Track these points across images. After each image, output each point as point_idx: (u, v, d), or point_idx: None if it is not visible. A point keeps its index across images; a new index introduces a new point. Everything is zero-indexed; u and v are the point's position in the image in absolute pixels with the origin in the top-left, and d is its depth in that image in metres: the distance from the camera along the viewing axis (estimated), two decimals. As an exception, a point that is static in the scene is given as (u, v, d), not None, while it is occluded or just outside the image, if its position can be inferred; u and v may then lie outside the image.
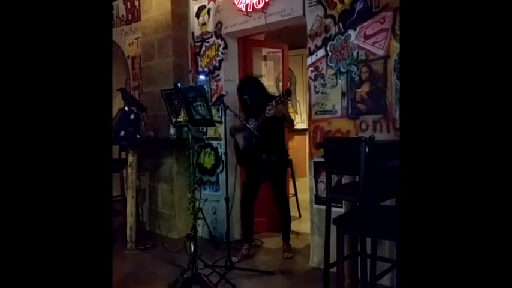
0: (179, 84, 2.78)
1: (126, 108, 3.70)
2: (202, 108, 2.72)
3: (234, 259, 3.08)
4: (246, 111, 3.31)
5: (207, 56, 3.92)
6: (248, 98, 3.22)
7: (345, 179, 2.69)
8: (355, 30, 2.78)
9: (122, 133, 3.59)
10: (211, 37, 3.85)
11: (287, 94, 3.05)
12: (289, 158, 4.28)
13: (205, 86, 3.66)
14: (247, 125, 3.04)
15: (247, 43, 3.93)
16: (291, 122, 3.35)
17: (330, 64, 2.94)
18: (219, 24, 3.77)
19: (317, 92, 3.03)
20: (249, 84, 3.28)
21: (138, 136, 3.68)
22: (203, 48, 3.95)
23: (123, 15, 4.83)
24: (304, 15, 3.09)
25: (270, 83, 4.69)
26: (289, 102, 5.66)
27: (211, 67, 3.89)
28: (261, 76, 4.59)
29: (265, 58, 4.62)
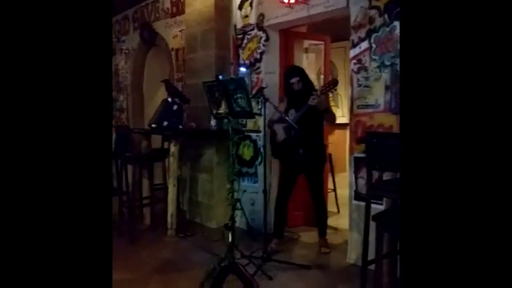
0: (220, 77, 2.82)
1: (169, 99, 3.80)
2: (243, 100, 2.74)
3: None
4: (290, 98, 3.21)
5: (249, 48, 3.93)
6: (297, 81, 3.12)
7: (386, 176, 2.62)
8: (401, 21, 2.67)
9: (165, 123, 3.69)
10: (253, 29, 3.86)
11: (333, 84, 2.96)
12: (329, 153, 4.25)
13: (246, 79, 3.67)
14: (287, 118, 2.99)
15: (289, 35, 3.90)
16: (333, 116, 3.27)
17: (373, 57, 2.86)
18: (261, 16, 3.77)
19: (359, 86, 2.96)
20: (298, 71, 3.23)
21: (180, 127, 3.78)
22: (245, 41, 3.96)
23: (168, 8, 4.95)
24: (348, 6, 3.01)
25: (312, 76, 4.63)
26: (331, 95, 5.58)
27: (252, 59, 3.90)
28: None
29: (306, 50, 4.57)
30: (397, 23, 2.70)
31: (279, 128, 3.21)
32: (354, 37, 2.97)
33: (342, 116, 6.96)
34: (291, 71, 3.23)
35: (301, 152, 3.10)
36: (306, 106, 2.95)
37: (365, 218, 2.36)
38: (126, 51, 5.91)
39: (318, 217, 3.34)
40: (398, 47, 2.69)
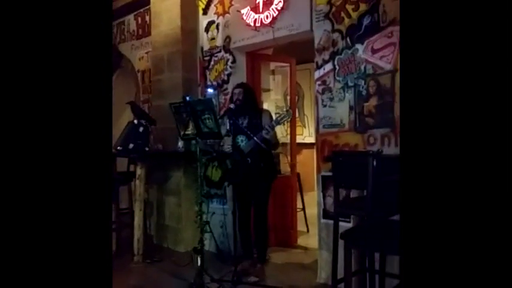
0: (188, 98, 2.81)
1: (136, 121, 3.73)
2: (210, 121, 2.74)
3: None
4: (231, 114, 3.09)
5: (216, 70, 3.96)
6: (239, 92, 3.15)
7: (353, 193, 2.67)
8: (362, 44, 2.79)
9: (131, 146, 3.62)
10: (220, 51, 3.90)
11: (287, 116, 2.98)
12: (297, 172, 4.29)
13: (213, 100, 3.68)
14: (255, 138, 2.97)
15: (256, 57, 3.97)
16: (277, 144, 3.33)
17: (337, 78, 2.95)
18: (227, 39, 3.82)
19: (325, 106, 3.03)
20: (244, 85, 3.29)
21: (147, 149, 3.71)
22: (212, 63, 3.99)
23: (133, 30, 4.93)
24: (311, 29, 3.11)
25: (278, 97, 4.72)
26: (297, 116, 5.67)
27: (219, 81, 3.92)
28: (269, 90, 4.63)
29: (273, 72, 4.66)
30: (358, 46, 2.81)
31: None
32: (318, 59, 3.06)
33: (309, 135, 7.08)
34: (237, 84, 3.32)
35: (261, 165, 3.07)
36: (260, 137, 2.94)
37: (333, 237, 2.38)
38: (91, 73, 5.78)
39: (258, 241, 3.20)
40: (361, 67, 2.79)
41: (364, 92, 2.80)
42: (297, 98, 5.44)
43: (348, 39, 2.87)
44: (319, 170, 3.09)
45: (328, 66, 3.00)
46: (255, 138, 2.95)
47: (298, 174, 4.37)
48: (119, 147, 3.66)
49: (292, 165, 4.18)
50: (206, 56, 4.05)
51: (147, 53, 4.70)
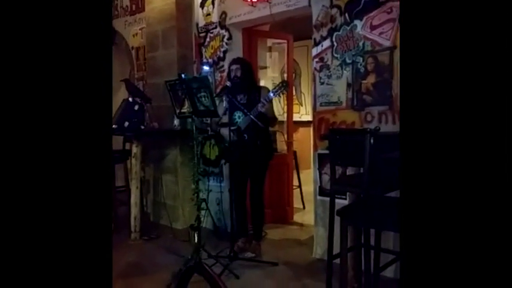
0: (183, 75, 2.77)
1: (130, 99, 3.70)
2: (206, 99, 2.70)
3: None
4: (228, 91, 3.05)
5: (212, 46, 3.90)
6: (236, 68, 3.10)
7: (350, 171, 2.68)
8: (361, 20, 2.74)
9: (126, 124, 3.59)
10: (216, 28, 3.83)
11: (283, 87, 2.93)
12: (294, 150, 4.29)
13: (209, 77, 3.64)
14: (251, 116, 2.97)
15: (252, 34, 3.90)
16: (275, 120, 3.29)
17: (335, 55, 2.91)
18: (223, 15, 3.74)
19: (322, 83, 3.00)
20: (241, 61, 3.22)
21: (142, 127, 3.68)
22: (207, 39, 3.92)
23: (127, 6, 4.81)
24: (309, 5, 3.05)
25: (275, 75, 4.67)
26: (294, 94, 5.62)
27: (215, 58, 3.86)
28: (265, 67, 4.57)
29: (270, 49, 4.60)
30: (357, 22, 2.77)
31: (226, 132, 3.14)
32: (316, 36, 3.01)
33: (305, 113, 7.06)
34: (234, 60, 3.24)
35: (246, 138, 3.05)
36: (256, 111, 2.92)
37: (329, 213, 2.40)
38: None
39: (254, 218, 3.23)
40: (360, 44, 2.76)
41: (362, 70, 2.77)
42: (294, 75, 5.39)
43: (347, 15, 2.82)
44: (315, 148, 3.09)
45: (326, 43, 2.96)
46: (250, 114, 2.93)
47: (294, 152, 4.38)
48: (114, 126, 3.64)
49: (289, 143, 4.18)
50: (202, 33, 3.97)
51: (141, 29, 4.61)
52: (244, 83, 3.08)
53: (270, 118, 3.13)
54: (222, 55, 3.80)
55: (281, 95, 3.05)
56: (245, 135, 3.04)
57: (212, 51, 3.89)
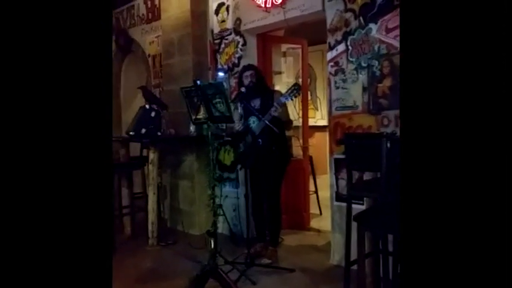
0: (198, 82, 2.79)
1: (147, 106, 3.74)
2: (222, 105, 2.72)
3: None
4: (243, 97, 3.08)
5: (226, 53, 3.92)
6: (250, 74, 3.11)
7: (367, 176, 2.65)
8: (376, 23, 2.72)
9: (143, 130, 3.64)
10: (230, 34, 3.85)
11: (296, 90, 2.89)
12: (309, 155, 4.27)
13: (224, 83, 3.65)
14: (266, 121, 2.96)
15: (266, 39, 3.91)
16: (291, 123, 3.28)
17: (350, 59, 2.89)
18: (238, 21, 3.77)
19: (337, 88, 2.98)
20: (254, 67, 3.24)
21: (159, 133, 3.73)
22: (222, 45, 3.95)
23: (143, 14, 4.89)
24: (323, 9, 3.04)
25: (290, 80, 4.65)
26: (310, 98, 5.60)
27: (230, 64, 3.89)
28: (280, 72, 4.57)
29: (284, 54, 4.59)
30: (372, 25, 2.74)
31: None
32: (331, 40, 3.00)
33: (321, 118, 7.03)
34: (245, 67, 3.26)
35: (260, 143, 3.04)
36: (269, 116, 2.91)
37: (346, 219, 2.37)
38: (102, 59, 5.79)
39: (271, 224, 3.21)
40: (375, 47, 2.73)
41: (377, 73, 2.74)
42: (309, 80, 5.37)
43: (361, 19, 2.80)
44: (331, 153, 3.07)
45: (341, 47, 2.94)
46: (263, 118, 2.92)
47: (310, 157, 4.35)
48: (131, 132, 3.69)
49: (305, 148, 4.16)
50: (216, 39, 4.00)
51: (157, 37, 4.68)
52: (259, 88, 3.09)
53: (285, 121, 3.12)
54: (236, 61, 3.82)
55: (293, 98, 3.03)
56: (259, 140, 3.03)
57: (227, 57, 3.92)
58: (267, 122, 2.91)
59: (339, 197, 3.02)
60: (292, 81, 4.61)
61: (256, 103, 3.13)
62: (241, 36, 3.77)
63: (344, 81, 2.94)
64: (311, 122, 4.86)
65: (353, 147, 2.35)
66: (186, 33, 4.00)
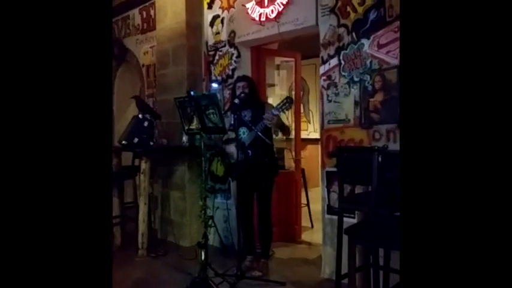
0: (192, 92, 2.81)
1: (140, 116, 3.74)
2: (215, 116, 2.73)
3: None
4: (235, 108, 3.02)
5: (220, 64, 3.95)
6: (242, 86, 3.12)
7: (358, 189, 2.66)
8: (368, 39, 2.77)
9: (136, 140, 3.62)
10: (225, 46, 3.89)
11: (288, 103, 2.90)
12: (302, 168, 4.28)
13: (218, 94, 3.67)
14: (259, 133, 2.97)
15: (260, 52, 3.95)
16: (288, 128, 3.29)
17: (343, 73, 2.93)
18: (232, 34, 3.81)
19: (330, 101, 3.01)
20: (247, 78, 3.26)
21: (151, 143, 3.71)
22: (216, 57, 3.98)
23: (138, 24, 4.92)
24: (317, 24, 3.09)
25: (283, 92, 4.70)
26: (302, 110, 5.63)
27: (224, 75, 3.91)
28: (274, 85, 4.61)
29: (278, 67, 4.64)
30: (364, 41, 2.79)
31: (232, 148, 3.14)
32: (324, 54, 3.04)
33: (313, 131, 7.06)
34: (239, 78, 3.28)
35: (251, 155, 3.06)
36: (261, 126, 2.92)
37: (337, 232, 2.38)
38: (96, 68, 5.78)
39: (261, 236, 3.19)
40: (367, 63, 2.77)
41: (369, 88, 2.78)
42: (301, 93, 5.41)
43: (354, 34, 2.85)
44: (323, 166, 3.08)
45: (334, 61, 2.98)
46: (255, 129, 2.93)
47: (302, 170, 4.36)
48: (123, 142, 3.67)
49: (297, 161, 4.17)
50: (211, 51, 4.03)
51: (151, 47, 4.69)
52: (251, 99, 3.11)
53: (283, 127, 3.16)
54: (230, 73, 3.85)
55: (285, 111, 3.05)
56: (249, 151, 3.04)
57: (221, 69, 3.94)
58: (259, 133, 2.92)
59: (330, 210, 3.03)
60: (285, 93, 4.65)
61: (247, 114, 3.15)
62: (236, 48, 3.80)
63: (336, 94, 2.97)
64: (303, 135, 4.88)
65: (345, 160, 2.37)
66: (180, 44, 4.03)
